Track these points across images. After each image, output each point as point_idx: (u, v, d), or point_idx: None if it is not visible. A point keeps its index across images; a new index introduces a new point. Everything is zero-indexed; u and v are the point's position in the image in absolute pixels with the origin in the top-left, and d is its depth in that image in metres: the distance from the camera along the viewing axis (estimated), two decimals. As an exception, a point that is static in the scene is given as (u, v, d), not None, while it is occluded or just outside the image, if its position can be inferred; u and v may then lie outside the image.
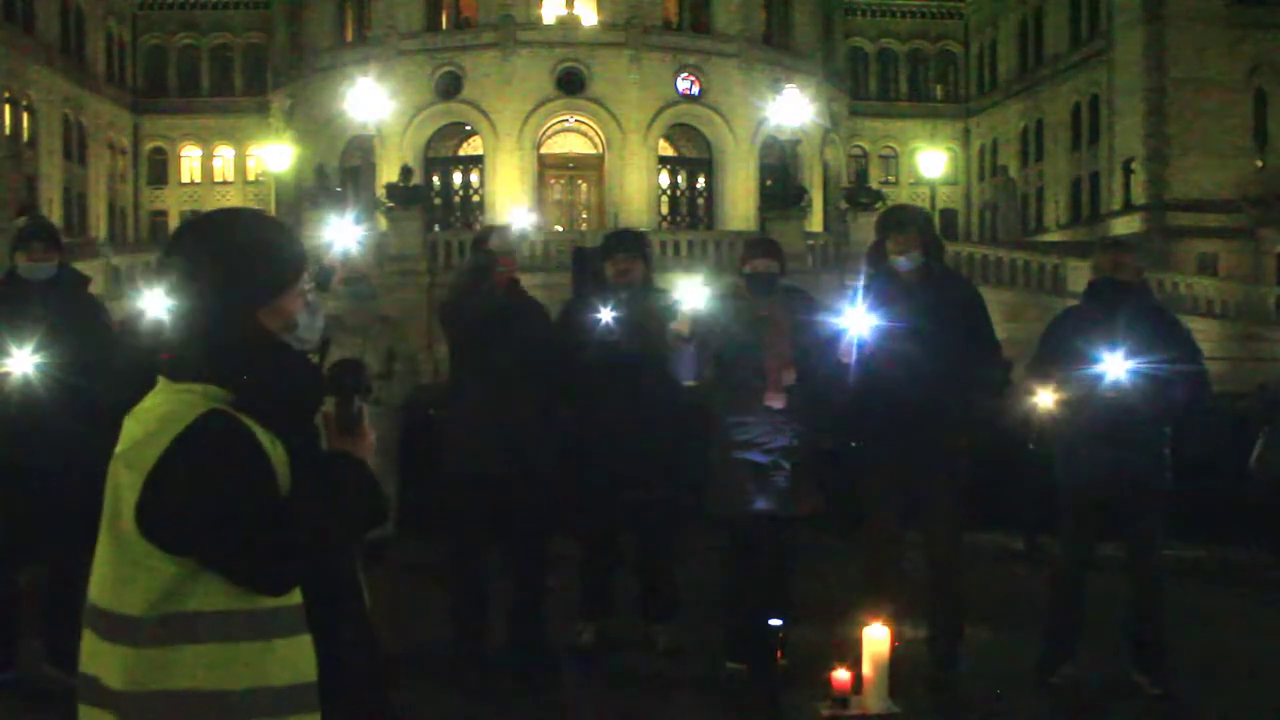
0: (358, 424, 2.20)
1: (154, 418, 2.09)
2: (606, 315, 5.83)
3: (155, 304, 5.54)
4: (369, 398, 2.31)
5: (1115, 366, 5.25)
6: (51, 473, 5.22)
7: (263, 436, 2.08)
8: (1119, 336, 5.31)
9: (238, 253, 2.18)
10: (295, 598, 2.08)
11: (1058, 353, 5.54)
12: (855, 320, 5.28)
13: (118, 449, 2.11)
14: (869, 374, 5.35)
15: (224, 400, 2.08)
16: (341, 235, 5.33)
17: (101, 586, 2.09)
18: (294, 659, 2.07)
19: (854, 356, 5.27)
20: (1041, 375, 5.64)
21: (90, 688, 2.08)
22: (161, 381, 2.16)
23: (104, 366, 5.27)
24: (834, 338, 5.36)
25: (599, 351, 5.82)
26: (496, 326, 5.55)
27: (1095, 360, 5.27)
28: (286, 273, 2.22)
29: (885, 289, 5.56)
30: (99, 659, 2.07)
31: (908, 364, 5.26)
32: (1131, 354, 5.24)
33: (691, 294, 5.73)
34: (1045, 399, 5.55)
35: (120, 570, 2.06)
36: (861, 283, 5.53)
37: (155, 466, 2.02)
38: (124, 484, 2.05)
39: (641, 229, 24.66)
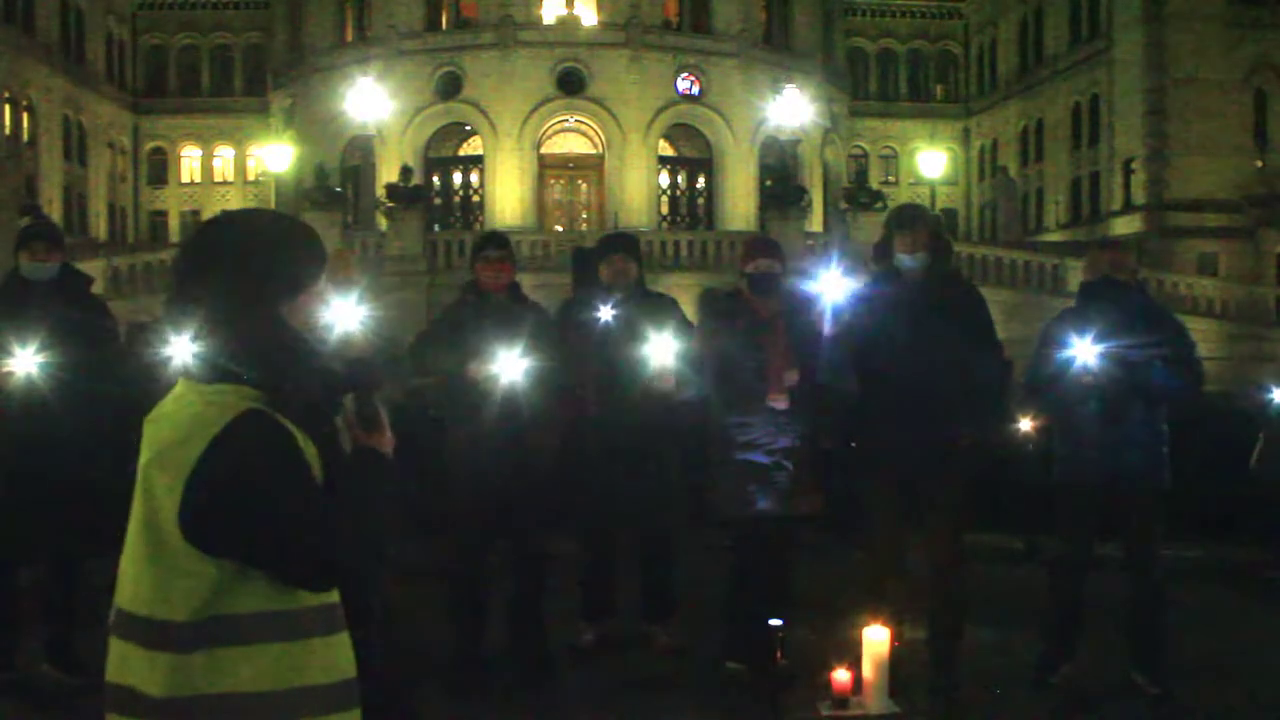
0: (380, 420, 2.22)
1: (184, 420, 2.05)
2: (606, 313, 5.85)
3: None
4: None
5: (1084, 351, 5.28)
6: (52, 473, 5.23)
7: (297, 435, 2.08)
8: (1118, 335, 5.31)
9: (259, 250, 2.16)
10: (332, 595, 2.10)
11: (1055, 357, 5.53)
12: (829, 286, 5.31)
13: (148, 454, 2.07)
14: (869, 374, 5.35)
15: (258, 400, 2.06)
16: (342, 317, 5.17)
17: (137, 593, 2.05)
18: (334, 657, 2.08)
19: (830, 325, 5.32)
20: (1034, 375, 5.66)
21: (123, 698, 2.04)
22: (184, 383, 2.12)
23: (106, 367, 5.27)
24: (810, 303, 5.39)
25: (597, 351, 5.84)
26: (494, 330, 5.56)
27: (1065, 346, 5.31)
28: (308, 270, 2.21)
29: (888, 287, 5.57)
30: (134, 667, 2.03)
31: (908, 364, 5.26)
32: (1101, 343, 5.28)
33: (661, 348, 5.58)
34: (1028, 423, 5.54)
35: (160, 576, 2.02)
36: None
37: (195, 469, 1.98)
38: (160, 488, 2.01)
39: (635, 229, 24.78)
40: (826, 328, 5.36)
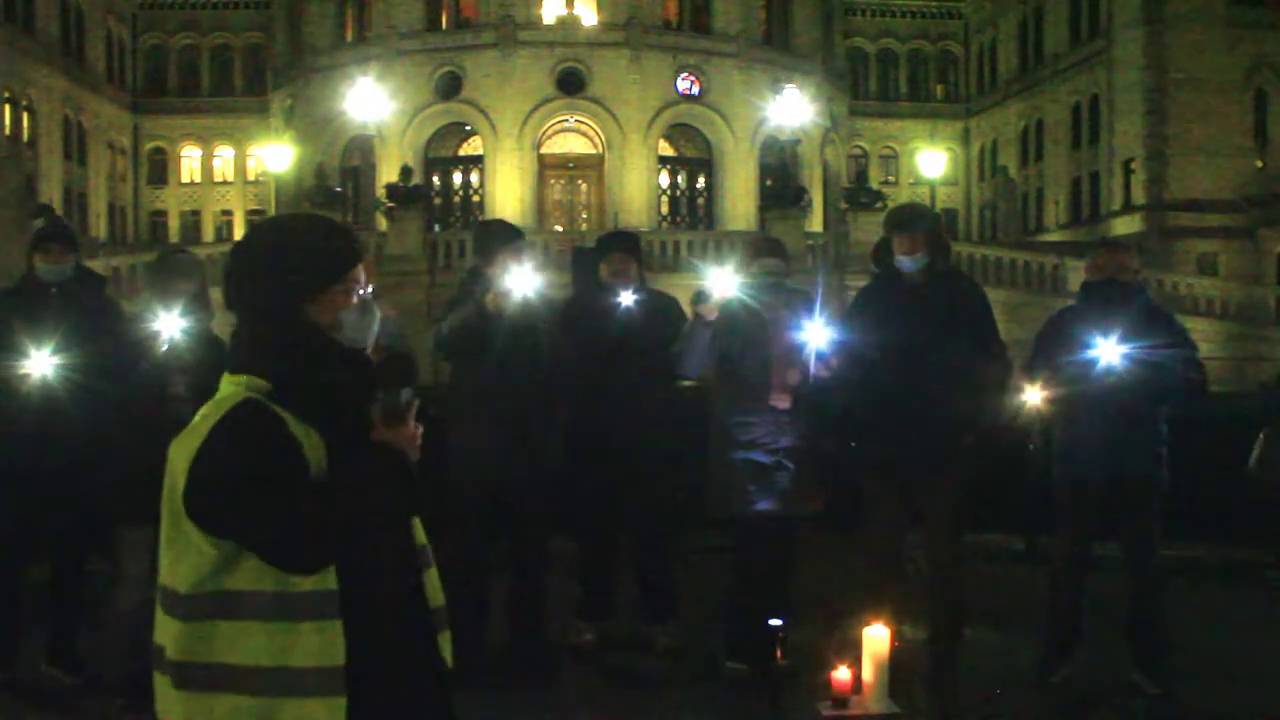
0: (403, 415, 2.28)
1: (210, 405, 2.24)
2: (628, 298, 5.82)
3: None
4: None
5: (1109, 352, 5.26)
6: (61, 473, 5.24)
7: (295, 426, 2.19)
8: (1118, 336, 5.30)
9: (281, 248, 2.32)
10: (329, 582, 2.17)
11: (1055, 354, 5.53)
12: (813, 335, 5.34)
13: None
14: (869, 375, 5.36)
15: (263, 390, 2.21)
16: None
17: (163, 563, 2.24)
18: (321, 643, 2.16)
19: (817, 369, 5.37)
20: (1031, 373, 5.63)
21: (158, 656, 2.24)
22: (226, 373, 2.30)
23: (118, 369, 5.27)
24: (797, 350, 5.41)
25: (610, 344, 5.80)
26: (497, 328, 5.55)
27: (1088, 347, 5.28)
28: (329, 269, 2.32)
29: (888, 289, 5.57)
30: (161, 629, 2.24)
31: (909, 365, 5.26)
32: (1125, 343, 5.25)
33: (721, 283, 5.56)
34: (1034, 397, 5.54)
35: (175, 549, 2.20)
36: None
37: (198, 452, 2.15)
38: (177, 468, 2.18)
39: (635, 229, 24.80)
40: (813, 369, 5.40)
